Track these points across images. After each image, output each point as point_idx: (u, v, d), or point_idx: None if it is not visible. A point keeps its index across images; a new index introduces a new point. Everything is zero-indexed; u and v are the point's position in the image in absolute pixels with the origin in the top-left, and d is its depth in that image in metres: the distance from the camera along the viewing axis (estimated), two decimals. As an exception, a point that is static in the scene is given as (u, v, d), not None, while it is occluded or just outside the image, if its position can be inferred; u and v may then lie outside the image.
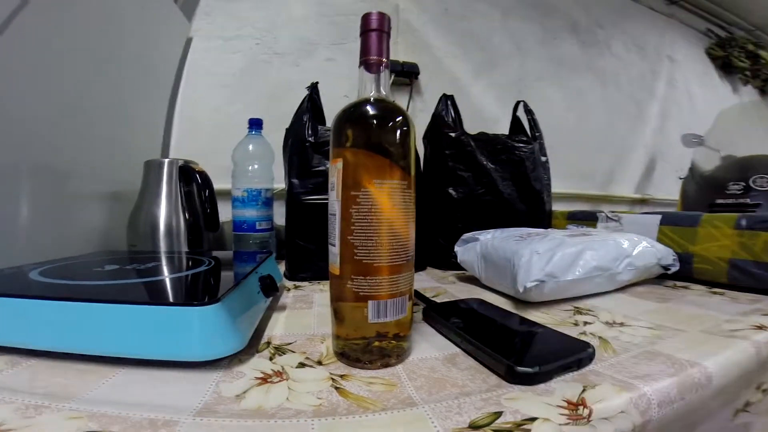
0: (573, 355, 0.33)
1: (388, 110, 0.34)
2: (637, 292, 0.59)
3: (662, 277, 0.65)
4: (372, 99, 0.34)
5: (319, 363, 0.36)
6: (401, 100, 1.17)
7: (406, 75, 1.18)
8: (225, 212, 0.82)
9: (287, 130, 0.77)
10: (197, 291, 0.45)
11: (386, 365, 0.35)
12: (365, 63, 0.35)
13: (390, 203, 0.33)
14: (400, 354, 0.36)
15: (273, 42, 1.13)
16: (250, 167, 0.78)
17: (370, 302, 0.33)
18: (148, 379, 0.31)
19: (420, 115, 1.12)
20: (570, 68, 1.52)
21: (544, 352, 0.35)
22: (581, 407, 0.27)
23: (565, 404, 0.27)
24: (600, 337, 0.40)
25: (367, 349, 0.35)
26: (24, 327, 0.35)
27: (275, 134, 0.81)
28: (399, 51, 1.20)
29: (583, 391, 0.29)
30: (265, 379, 0.32)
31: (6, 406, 0.26)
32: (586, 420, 0.26)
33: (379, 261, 0.33)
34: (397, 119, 0.34)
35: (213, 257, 0.59)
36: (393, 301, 0.34)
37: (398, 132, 0.34)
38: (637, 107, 1.69)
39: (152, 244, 0.73)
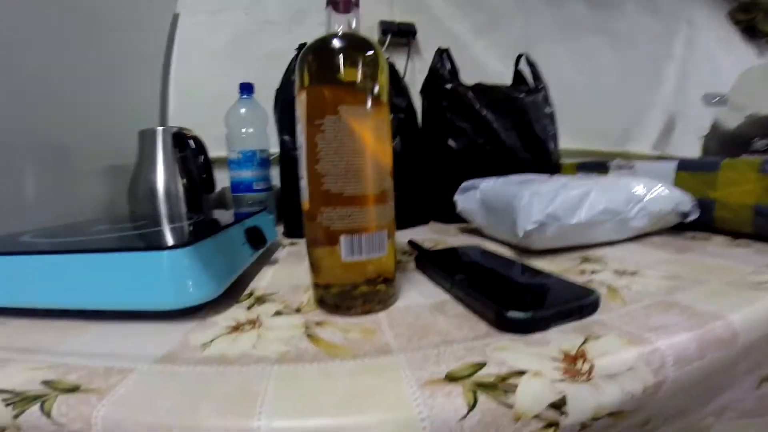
0: (574, 301, 0.29)
1: (352, 40, 0.31)
2: (651, 242, 0.54)
3: (680, 228, 0.59)
4: (339, 33, 0.32)
5: (298, 311, 0.33)
6: (399, 61, 1.14)
7: (403, 35, 1.16)
8: (225, 179, 0.83)
9: (277, 90, 0.76)
10: (171, 239, 0.43)
11: (368, 312, 0.32)
12: (332, 2, 0.32)
13: (357, 128, 0.30)
14: (384, 300, 0.33)
15: (262, 12, 1.12)
16: (244, 130, 0.78)
17: (342, 238, 0.30)
18: (122, 332, 0.30)
19: (419, 75, 1.10)
20: (577, 28, 1.46)
21: (542, 297, 0.31)
22: (580, 361, 0.23)
23: (561, 357, 0.23)
24: (608, 286, 0.36)
25: (347, 295, 0.32)
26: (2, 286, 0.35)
27: (271, 101, 0.79)
28: (395, 12, 1.18)
29: (584, 342, 0.25)
30: (236, 328, 0.30)
31: None
32: (585, 376, 0.22)
33: (349, 189, 0.30)
34: (362, 47, 0.31)
35: (209, 217, 0.58)
36: (369, 237, 0.30)
37: (362, 59, 0.31)
38: (655, 67, 1.63)
39: (152, 209, 0.74)
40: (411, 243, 0.49)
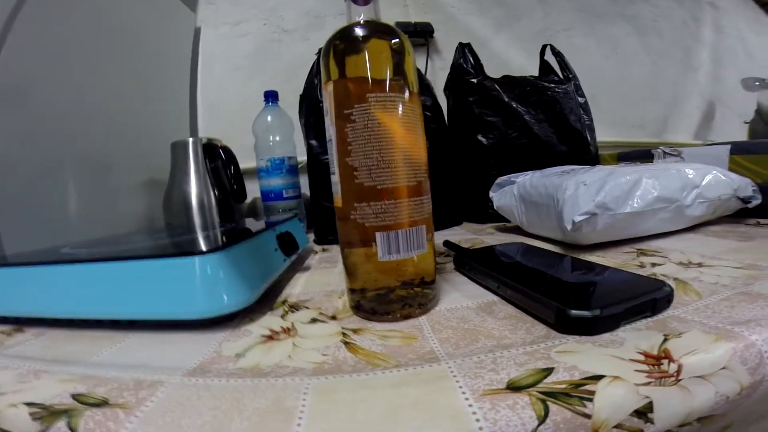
0: (644, 295, 0.25)
1: (377, 27, 0.30)
2: (711, 231, 0.49)
3: (739, 215, 0.54)
4: (361, 21, 0.30)
5: (333, 318, 0.31)
6: (419, 61, 1.13)
7: (421, 35, 1.15)
8: (256, 189, 0.83)
9: (301, 96, 0.75)
10: (203, 244, 0.42)
11: (407, 316, 0.29)
12: None
13: (388, 117, 0.28)
14: (424, 303, 0.30)
15: (280, 20, 1.14)
16: (271, 137, 0.78)
17: (378, 234, 0.28)
18: (156, 342, 0.29)
19: (440, 73, 1.12)
20: (598, 17, 1.42)
21: (606, 293, 0.27)
22: (666, 361, 0.19)
23: (642, 358, 0.20)
24: (675, 279, 0.32)
25: (384, 299, 0.30)
26: (36, 295, 0.35)
27: (294, 109, 0.79)
28: (410, 12, 1.18)
29: (665, 341, 0.21)
30: (271, 337, 0.29)
31: (11, 372, 0.25)
32: (674, 379, 0.19)
33: (383, 182, 0.27)
34: (387, 33, 0.30)
35: (240, 226, 0.58)
36: (406, 232, 0.28)
37: (389, 45, 0.29)
38: (685, 53, 1.57)
39: (186, 220, 0.75)
40: (447, 243, 0.47)
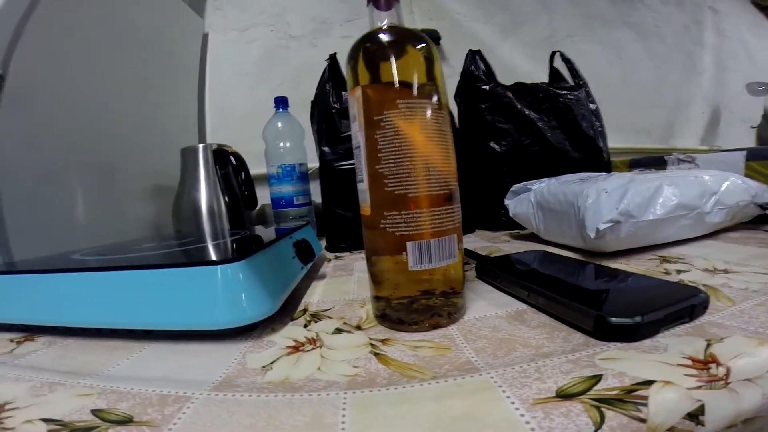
0: (683, 301, 0.25)
1: (404, 33, 0.30)
2: (731, 238, 0.49)
3: (758, 222, 0.54)
4: (385, 27, 0.30)
5: (358, 328, 0.31)
6: None
7: None
8: (266, 196, 0.82)
9: (312, 102, 0.75)
10: (223, 253, 0.42)
11: (435, 326, 0.29)
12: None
13: (419, 125, 0.27)
14: (453, 312, 0.30)
15: (287, 26, 1.15)
16: (281, 144, 0.77)
17: (408, 244, 0.27)
18: (174, 353, 0.28)
19: (448, 80, 1.08)
20: (602, 23, 1.44)
21: (642, 299, 0.27)
22: (714, 365, 0.19)
23: (690, 362, 0.20)
24: (704, 285, 0.32)
25: (411, 308, 0.29)
26: (50, 303, 0.34)
27: (303, 115, 0.79)
28: (416, 20, 1.19)
29: (708, 345, 0.21)
30: (296, 348, 0.28)
31: (24, 384, 0.24)
32: (723, 382, 0.18)
33: (415, 190, 0.27)
34: (415, 39, 0.30)
35: (252, 233, 0.58)
36: (437, 242, 0.28)
37: (417, 52, 0.29)
38: (688, 58, 1.58)
39: (196, 226, 0.75)
40: (466, 252, 0.46)
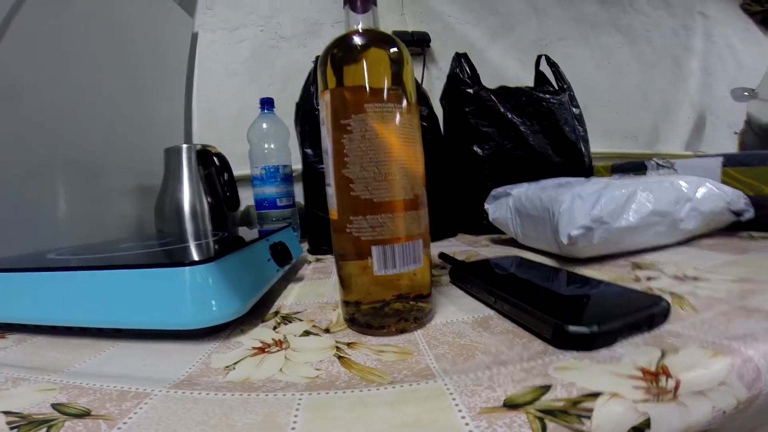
0: (642, 310, 0.25)
1: (374, 36, 0.30)
2: (705, 245, 0.49)
3: (733, 228, 0.55)
4: (359, 30, 0.30)
5: (327, 331, 0.31)
6: (415, 71, 1.14)
7: (417, 44, 1.15)
8: (249, 197, 0.82)
9: (297, 104, 0.75)
10: (194, 254, 0.42)
11: (402, 330, 0.29)
12: (350, 1, 0.31)
13: (386, 128, 0.27)
14: (420, 317, 0.30)
15: (277, 27, 1.14)
16: (266, 145, 0.77)
17: (373, 248, 0.27)
18: (141, 352, 0.29)
19: (436, 82, 1.12)
20: (592, 27, 1.43)
21: (603, 308, 0.27)
22: (664, 378, 0.19)
23: (640, 374, 0.20)
24: (671, 293, 0.32)
25: (379, 312, 0.29)
26: (20, 301, 0.34)
27: (290, 117, 0.78)
28: (407, 21, 1.18)
29: (663, 356, 0.21)
30: (262, 349, 0.28)
31: None
32: (671, 395, 0.18)
33: (380, 195, 0.27)
34: (385, 42, 0.29)
35: (233, 234, 0.57)
36: (402, 247, 0.28)
37: (387, 54, 0.29)
38: (675, 63, 1.58)
39: (178, 227, 0.74)
40: (443, 256, 0.46)
